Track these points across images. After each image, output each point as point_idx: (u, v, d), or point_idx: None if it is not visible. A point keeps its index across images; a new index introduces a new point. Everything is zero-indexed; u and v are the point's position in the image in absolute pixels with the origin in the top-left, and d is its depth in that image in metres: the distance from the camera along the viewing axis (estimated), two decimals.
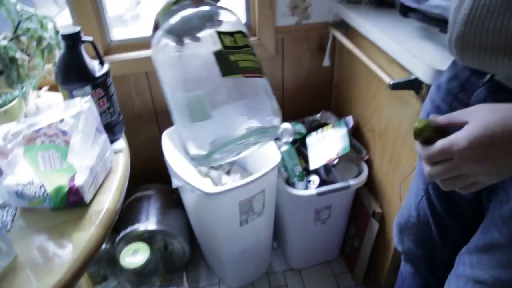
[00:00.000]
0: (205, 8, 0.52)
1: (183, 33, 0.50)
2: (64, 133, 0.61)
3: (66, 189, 0.64)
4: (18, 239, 0.62)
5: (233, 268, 1.47)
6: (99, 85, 0.81)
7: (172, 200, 1.53)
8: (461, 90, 0.61)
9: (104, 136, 0.75)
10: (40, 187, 0.64)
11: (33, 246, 0.62)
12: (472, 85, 0.59)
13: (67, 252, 0.59)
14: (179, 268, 1.66)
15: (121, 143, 0.86)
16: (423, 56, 0.87)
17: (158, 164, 1.39)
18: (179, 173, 1.16)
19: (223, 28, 0.51)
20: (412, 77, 0.90)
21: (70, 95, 0.79)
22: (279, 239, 1.57)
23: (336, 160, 1.27)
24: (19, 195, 0.67)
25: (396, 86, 0.92)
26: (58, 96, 0.93)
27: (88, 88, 0.79)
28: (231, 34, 0.50)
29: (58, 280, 0.55)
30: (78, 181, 0.64)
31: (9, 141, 0.61)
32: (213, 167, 1.49)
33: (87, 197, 0.67)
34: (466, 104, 0.54)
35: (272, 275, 1.63)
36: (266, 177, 1.16)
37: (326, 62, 1.52)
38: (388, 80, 0.97)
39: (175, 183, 1.23)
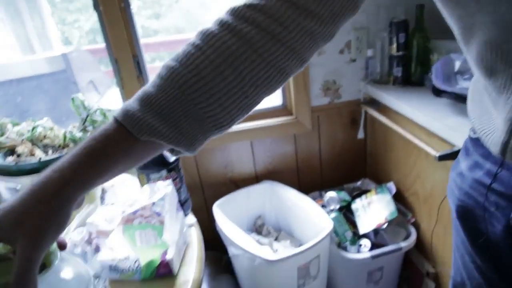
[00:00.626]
0: None
1: None
2: (158, 214, 0.70)
3: (158, 262, 0.72)
4: None
5: None
6: (173, 168, 0.91)
7: (220, 266, 1.58)
8: (494, 181, 0.59)
9: (181, 213, 0.84)
10: (135, 262, 0.72)
11: None
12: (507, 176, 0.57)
13: None
14: None
15: (192, 218, 0.94)
16: (463, 130, 0.95)
17: (205, 232, 1.47)
18: (237, 242, 1.23)
19: None
20: (456, 149, 0.98)
21: (147, 178, 0.90)
22: None
23: (385, 225, 1.33)
24: (113, 268, 0.74)
25: (442, 158, 0.99)
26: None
27: (164, 172, 0.89)
28: None
29: None
30: (169, 255, 0.72)
31: (109, 222, 0.70)
32: (261, 234, 1.56)
33: (175, 269, 0.74)
34: (508, 196, 0.56)
35: None
36: (321, 243, 1.21)
37: (361, 134, 1.64)
38: (433, 152, 1.05)
39: (232, 251, 1.29)
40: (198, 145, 0.48)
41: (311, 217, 1.39)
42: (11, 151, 1.08)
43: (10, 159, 1.03)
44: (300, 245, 1.36)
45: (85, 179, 0.41)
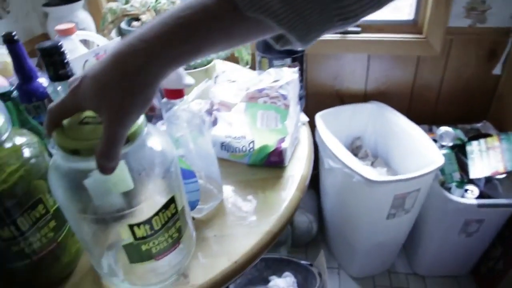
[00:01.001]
0: None
1: None
2: (284, 97, 0.66)
3: (272, 149, 0.69)
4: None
5: (361, 258, 1.47)
6: (298, 59, 0.85)
7: None
8: None
9: (299, 107, 0.79)
10: (250, 143, 0.70)
11: (234, 195, 0.68)
12: None
13: (270, 208, 0.64)
14: (300, 245, 1.71)
15: (305, 116, 0.89)
16: None
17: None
18: (338, 155, 1.18)
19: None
20: None
21: (269, 64, 0.85)
22: (411, 240, 1.53)
23: (504, 175, 1.18)
24: (224, 146, 0.74)
25: None
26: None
27: (288, 60, 0.83)
28: (148, 221, 0.43)
29: (267, 231, 0.60)
30: (285, 144, 0.69)
31: (234, 96, 0.67)
32: (356, 156, 1.50)
33: (287, 160, 0.71)
34: None
35: (394, 275, 1.59)
36: (426, 177, 1.12)
37: (497, 70, 1.40)
38: None
39: (331, 164, 1.25)
40: (314, 37, 0.38)
41: (418, 149, 1.28)
42: (136, 19, 1.08)
43: (136, 24, 1.03)
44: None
45: (176, 55, 0.35)
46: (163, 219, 0.44)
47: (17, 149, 0.46)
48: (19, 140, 0.47)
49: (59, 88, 0.54)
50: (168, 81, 0.48)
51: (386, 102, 1.48)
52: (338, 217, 1.49)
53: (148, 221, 0.42)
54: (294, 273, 1.37)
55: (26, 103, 0.70)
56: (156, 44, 0.34)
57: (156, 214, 0.43)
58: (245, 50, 1.08)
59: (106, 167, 0.36)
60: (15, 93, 0.58)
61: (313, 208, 1.64)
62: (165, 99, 0.54)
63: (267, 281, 1.37)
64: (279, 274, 1.38)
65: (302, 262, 1.36)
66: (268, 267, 1.40)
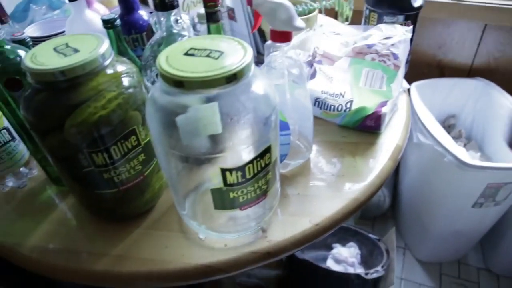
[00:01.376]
0: None
1: None
2: (395, 56, 0.59)
3: (371, 112, 0.63)
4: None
5: (432, 242, 1.39)
6: (411, 17, 0.75)
7: None
8: None
9: (403, 72, 0.71)
10: (348, 102, 0.64)
11: (322, 156, 0.64)
12: None
13: (359, 174, 0.59)
14: (367, 217, 1.66)
15: (406, 83, 0.81)
16: None
17: None
18: (432, 131, 1.08)
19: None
20: None
21: (378, 20, 0.77)
22: (492, 234, 1.40)
23: None
24: (318, 102, 0.69)
25: None
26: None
27: (400, 18, 0.75)
28: (242, 168, 0.40)
29: (353, 198, 0.56)
30: (386, 108, 0.62)
31: (338, 49, 0.61)
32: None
33: (383, 127, 0.65)
34: None
35: (463, 266, 1.49)
36: None
37: None
38: None
39: (420, 139, 1.16)
40: None
41: None
42: None
43: None
44: None
45: None
46: (256, 168, 0.41)
47: (117, 77, 0.46)
48: (120, 67, 0.46)
49: (162, 19, 0.52)
50: (277, 21, 0.44)
51: (494, 80, 1.31)
52: (416, 196, 1.40)
53: (241, 168, 0.40)
54: (359, 245, 1.33)
55: (125, 35, 0.70)
56: None
57: (251, 162, 0.40)
58: (347, 4, 0.99)
59: None
60: (118, 22, 0.58)
61: (389, 182, 1.56)
62: (269, 42, 0.50)
63: (330, 248, 1.35)
64: (343, 243, 1.35)
65: (370, 235, 1.31)
66: (333, 234, 1.37)
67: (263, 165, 0.42)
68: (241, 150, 0.40)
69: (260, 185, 0.44)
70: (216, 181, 0.41)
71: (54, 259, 0.53)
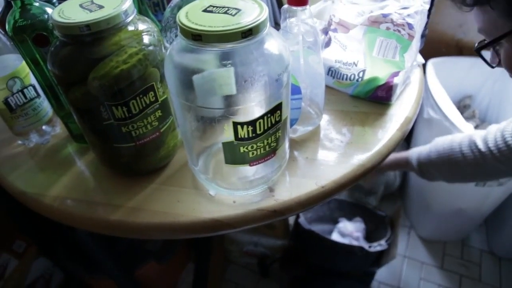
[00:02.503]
0: None
1: None
2: (410, 26, 0.59)
3: (382, 82, 0.64)
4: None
5: (436, 220, 1.41)
6: None
7: None
8: None
9: (418, 45, 0.72)
10: (360, 72, 0.65)
11: (332, 124, 0.66)
12: None
13: (367, 142, 0.61)
14: (374, 194, 1.67)
15: (421, 58, 0.81)
16: None
17: None
18: (441, 106, 1.08)
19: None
20: None
21: None
22: (496, 215, 1.41)
23: None
24: (331, 71, 0.70)
25: None
26: None
27: None
28: (252, 122, 0.42)
29: (359, 164, 0.58)
30: (398, 79, 0.63)
31: (355, 17, 0.62)
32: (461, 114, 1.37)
33: (394, 98, 0.66)
34: None
35: (466, 247, 1.51)
36: None
37: None
38: None
39: (431, 114, 1.16)
40: None
41: None
42: None
43: None
44: None
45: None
46: (266, 125, 0.43)
47: (138, 34, 0.48)
48: (141, 26, 0.49)
49: None
50: None
51: None
52: None
53: (252, 123, 0.42)
54: (365, 221, 1.35)
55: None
56: None
57: (261, 117, 0.42)
58: None
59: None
60: None
61: None
62: (286, 6, 0.51)
63: (336, 222, 1.38)
64: (349, 217, 1.38)
65: (377, 211, 1.33)
66: (340, 208, 1.40)
67: (273, 121, 0.44)
68: (253, 105, 0.42)
69: (270, 142, 0.46)
70: (228, 135, 0.43)
71: (74, 209, 0.56)
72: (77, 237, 0.95)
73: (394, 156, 0.87)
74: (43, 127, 0.67)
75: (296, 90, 0.54)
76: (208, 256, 1.35)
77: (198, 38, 0.37)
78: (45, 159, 0.65)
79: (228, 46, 0.37)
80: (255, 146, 0.45)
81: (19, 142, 0.68)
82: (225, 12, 0.39)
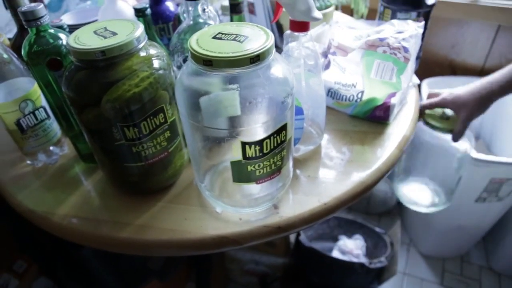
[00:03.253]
0: None
1: None
2: (405, 49, 0.62)
3: (380, 102, 0.67)
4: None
5: (436, 237, 1.42)
6: (423, 14, 0.79)
7: None
8: None
9: (414, 67, 0.75)
10: (359, 93, 0.68)
11: (332, 143, 0.68)
12: None
13: (366, 161, 0.63)
14: (373, 213, 1.69)
15: (416, 78, 0.85)
16: None
17: None
18: None
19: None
20: None
21: (392, 16, 0.80)
22: (495, 231, 1.42)
23: None
24: (331, 92, 0.73)
25: None
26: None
27: (413, 14, 0.78)
28: (260, 142, 0.45)
29: (360, 181, 0.60)
30: (395, 99, 0.66)
31: (353, 41, 0.65)
32: None
33: (392, 117, 0.69)
34: None
35: (466, 264, 1.51)
36: None
37: None
38: None
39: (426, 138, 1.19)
40: None
41: None
42: None
43: None
44: None
45: (503, 94, 0.77)
46: (272, 144, 0.46)
47: (149, 58, 0.50)
48: (152, 51, 0.51)
49: (190, 8, 0.56)
50: (296, 12, 0.48)
51: None
52: None
53: (259, 143, 0.44)
54: (365, 238, 1.36)
55: (153, 25, 0.74)
56: (495, 88, 0.77)
57: (268, 137, 0.44)
58: (362, 1, 1.03)
59: (458, 138, 0.81)
60: (148, 11, 0.62)
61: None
62: (288, 31, 0.54)
63: (336, 240, 1.39)
64: (349, 235, 1.39)
65: (376, 228, 1.35)
66: (340, 226, 1.41)
67: (279, 141, 0.46)
68: (260, 126, 0.44)
69: (275, 161, 0.48)
70: (236, 154, 0.46)
71: (82, 227, 0.58)
72: (81, 256, 0.96)
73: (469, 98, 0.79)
74: (51, 147, 0.69)
75: (298, 111, 0.56)
76: (208, 275, 1.35)
77: (209, 63, 0.39)
78: (53, 179, 0.67)
79: (237, 71, 0.40)
80: (261, 165, 0.47)
81: (28, 162, 0.70)
82: (234, 39, 0.41)
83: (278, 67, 0.44)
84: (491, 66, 1.38)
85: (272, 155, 0.47)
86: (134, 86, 0.48)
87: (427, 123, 0.83)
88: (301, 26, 0.52)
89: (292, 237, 1.38)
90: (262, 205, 0.55)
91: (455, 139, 0.81)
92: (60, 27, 0.62)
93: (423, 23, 0.69)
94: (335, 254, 1.30)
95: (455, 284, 1.45)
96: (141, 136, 0.52)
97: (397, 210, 1.69)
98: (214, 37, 0.42)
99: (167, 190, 0.62)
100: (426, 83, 1.30)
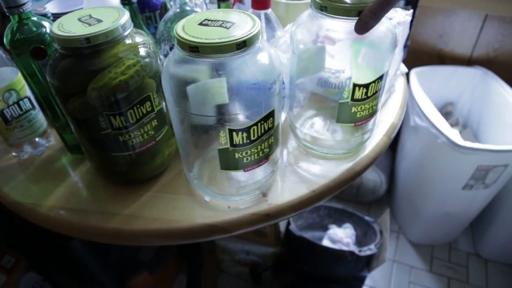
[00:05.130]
0: None
1: None
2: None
3: None
4: None
5: (424, 224, 1.44)
6: (412, 3, 0.79)
7: None
8: None
9: (402, 55, 0.75)
10: (347, 80, 0.68)
11: (322, 130, 0.68)
12: None
13: (355, 147, 0.64)
14: (363, 202, 1.70)
15: (405, 67, 0.85)
16: None
17: None
18: (427, 113, 1.12)
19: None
20: None
21: None
22: (482, 219, 1.45)
23: None
24: (321, 82, 0.72)
25: None
26: None
27: (401, 2, 0.78)
28: (247, 129, 0.45)
29: (348, 168, 0.60)
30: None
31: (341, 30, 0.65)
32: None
33: (379, 104, 0.69)
34: None
35: (454, 250, 1.54)
36: None
37: None
38: None
39: (417, 121, 1.20)
40: None
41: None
42: None
43: None
44: None
45: None
46: (260, 131, 0.46)
47: (135, 46, 0.50)
48: (138, 38, 0.51)
49: None
50: None
51: (493, 70, 1.35)
52: (410, 180, 1.45)
53: (247, 130, 0.44)
54: (355, 226, 1.38)
55: (139, 13, 0.73)
56: None
57: (255, 124, 0.44)
58: None
59: (366, 25, 0.47)
60: None
61: (386, 168, 1.61)
62: (251, 10, 0.54)
63: (326, 228, 1.40)
64: (339, 224, 1.40)
65: (366, 217, 1.36)
66: (330, 215, 1.42)
67: (266, 128, 0.46)
68: (247, 113, 0.44)
69: (263, 148, 0.48)
70: (223, 142, 0.45)
71: (70, 218, 0.57)
72: (69, 249, 0.95)
73: None
74: (36, 139, 0.68)
75: None
76: (199, 266, 1.35)
77: (195, 50, 0.39)
78: (40, 170, 0.66)
79: (223, 57, 0.40)
80: (249, 152, 0.47)
81: (13, 154, 0.69)
82: (220, 26, 0.41)
83: (265, 54, 0.44)
84: (478, 56, 1.39)
85: (259, 142, 0.47)
86: (120, 74, 0.47)
87: None
88: (263, 4, 0.53)
89: (283, 227, 1.39)
90: (250, 193, 0.55)
91: (366, 20, 0.49)
92: (44, 15, 0.61)
93: (411, 11, 0.69)
94: (325, 243, 1.31)
95: (444, 271, 1.48)
96: (127, 125, 0.51)
97: (387, 198, 1.70)
98: (201, 24, 0.42)
99: (155, 179, 0.61)
100: (414, 72, 1.31)
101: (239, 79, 0.42)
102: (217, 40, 0.38)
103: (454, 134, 1.08)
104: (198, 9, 0.58)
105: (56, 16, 0.69)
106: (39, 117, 0.67)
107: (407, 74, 1.26)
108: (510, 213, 1.30)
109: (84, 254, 0.94)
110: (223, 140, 0.45)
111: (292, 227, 1.24)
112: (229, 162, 0.48)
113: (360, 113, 0.56)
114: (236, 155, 0.47)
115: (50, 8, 0.77)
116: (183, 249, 1.36)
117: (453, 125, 1.40)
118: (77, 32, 0.45)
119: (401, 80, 0.81)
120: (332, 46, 0.68)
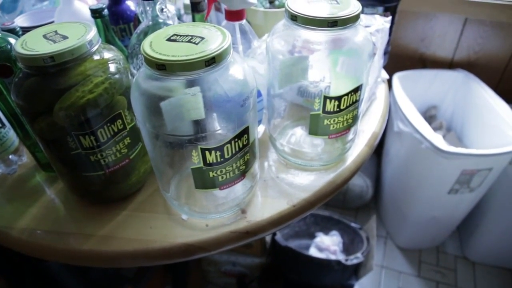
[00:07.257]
0: None
1: None
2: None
3: None
4: None
5: (411, 229, 1.44)
6: (390, 9, 0.79)
7: None
8: None
9: (382, 62, 0.74)
10: (326, 88, 0.67)
11: (301, 142, 0.67)
12: None
13: (336, 159, 0.62)
14: (350, 208, 1.70)
15: (385, 73, 0.84)
16: None
17: None
18: (410, 119, 1.12)
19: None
20: None
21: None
22: (468, 222, 1.45)
23: None
24: (300, 92, 0.71)
25: None
26: None
27: (380, 9, 0.78)
28: (220, 148, 0.43)
29: (329, 181, 0.59)
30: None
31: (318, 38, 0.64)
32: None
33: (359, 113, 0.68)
34: None
35: (442, 254, 1.54)
36: (502, 157, 1.04)
37: None
38: None
39: (400, 127, 1.20)
40: None
41: (500, 128, 1.18)
42: None
43: None
44: None
45: None
46: (234, 149, 0.44)
47: (104, 62, 0.48)
48: (106, 54, 0.49)
49: (148, 8, 0.54)
50: (235, 1, 0.47)
51: (474, 73, 1.36)
52: (396, 185, 1.44)
53: (220, 148, 0.43)
54: (342, 234, 1.37)
55: (113, 25, 0.71)
56: None
57: (229, 142, 0.43)
58: None
59: None
60: (105, 12, 0.59)
61: (372, 173, 1.60)
62: (225, 22, 0.53)
63: (313, 236, 1.38)
64: (326, 231, 1.39)
65: (352, 224, 1.35)
66: (316, 223, 1.41)
67: (240, 145, 0.45)
68: (219, 131, 0.42)
69: (239, 165, 0.47)
70: (196, 161, 0.44)
71: (43, 240, 0.55)
72: (49, 268, 0.92)
73: None
74: (10, 156, 0.66)
75: (257, 93, 0.55)
76: (185, 279, 1.33)
77: (162, 67, 0.37)
78: (12, 190, 0.64)
79: (193, 74, 0.38)
80: (224, 171, 0.45)
81: None
82: (189, 41, 0.40)
83: (237, 68, 0.42)
84: (460, 59, 1.39)
85: (234, 160, 0.45)
86: (88, 92, 0.45)
87: None
88: (237, 15, 0.52)
89: (268, 237, 1.37)
90: (229, 210, 0.53)
91: None
92: (12, 30, 0.59)
93: (390, 17, 0.69)
94: (312, 251, 1.30)
95: (432, 275, 1.47)
96: (99, 144, 0.49)
97: (374, 204, 1.70)
98: (169, 39, 0.40)
99: (132, 197, 0.59)
100: (397, 76, 1.31)
101: (211, 95, 0.40)
102: (184, 57, 0.37)
103: (437, 139, 1.08)
104: (170, 22, 0.56)
105: (25, 30, 0.67)
106: (10, 135, 0.65)
107: (390, 79, 1.27)
108: (496, 216, 1.31)
109: (63, 273, 0.92)
110: (195, 159, 0.44)
111: (278, 237, 1.22)
112: (204, 181, 0.47)
113: (333, 126, 0.54)
114: (211, 174, 0.45)
115: (21, 22, 0.75)
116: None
117: (437, 128, 1.40)
118: (41, 50, 0.43)
119: (382, 87, 0.80)
120: (310, 56, 0.67)
